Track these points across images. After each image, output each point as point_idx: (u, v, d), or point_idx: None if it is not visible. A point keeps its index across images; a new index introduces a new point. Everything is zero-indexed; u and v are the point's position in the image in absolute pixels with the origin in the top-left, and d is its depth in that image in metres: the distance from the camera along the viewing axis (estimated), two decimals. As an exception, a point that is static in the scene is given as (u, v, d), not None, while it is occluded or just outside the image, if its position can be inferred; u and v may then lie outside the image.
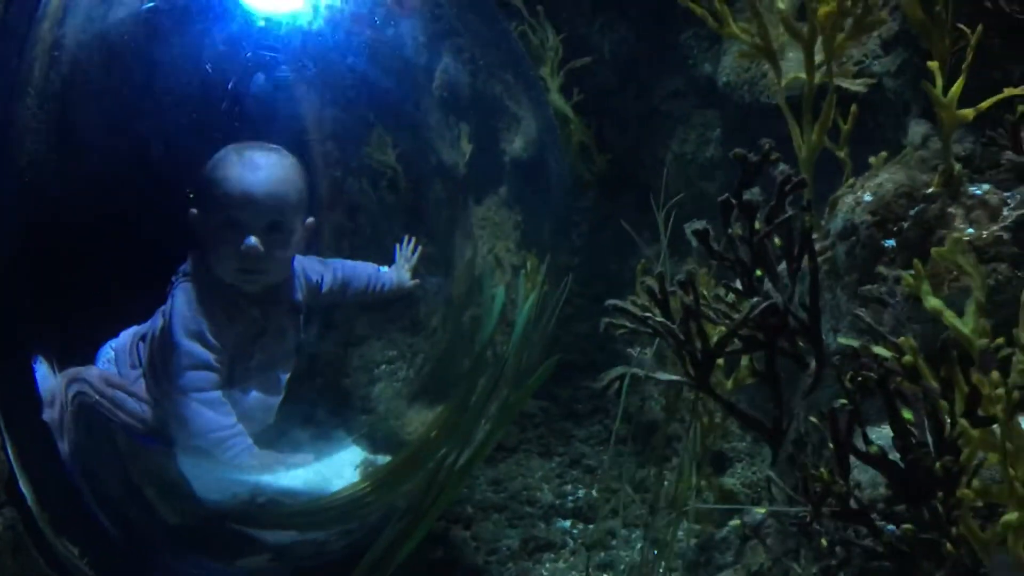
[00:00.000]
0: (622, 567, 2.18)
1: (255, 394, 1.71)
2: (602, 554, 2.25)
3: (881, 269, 1.36)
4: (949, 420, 0.94)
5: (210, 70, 1.66)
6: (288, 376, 1.76)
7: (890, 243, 1.38)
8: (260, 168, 1.67)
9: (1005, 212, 1.33)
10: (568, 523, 2.42)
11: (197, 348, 1.63)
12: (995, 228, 1.29)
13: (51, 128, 1.44)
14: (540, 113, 1.98)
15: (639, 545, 2.27)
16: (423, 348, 1.95)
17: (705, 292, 1.33)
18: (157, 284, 1.70)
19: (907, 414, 1.01)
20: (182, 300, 1.66)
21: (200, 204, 1.67)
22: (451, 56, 1.80)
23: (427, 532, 1.67)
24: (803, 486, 0.98)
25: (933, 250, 1.07)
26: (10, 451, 1.33)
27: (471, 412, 1.63)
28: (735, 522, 1.67)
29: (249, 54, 1.64)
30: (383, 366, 1.98)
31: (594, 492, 2.41)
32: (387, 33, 1.79)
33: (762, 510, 1.39)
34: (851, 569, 1.00)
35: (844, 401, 0.99)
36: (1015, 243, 1.27)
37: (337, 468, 1.69)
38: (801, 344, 1.32)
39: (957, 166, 1.39)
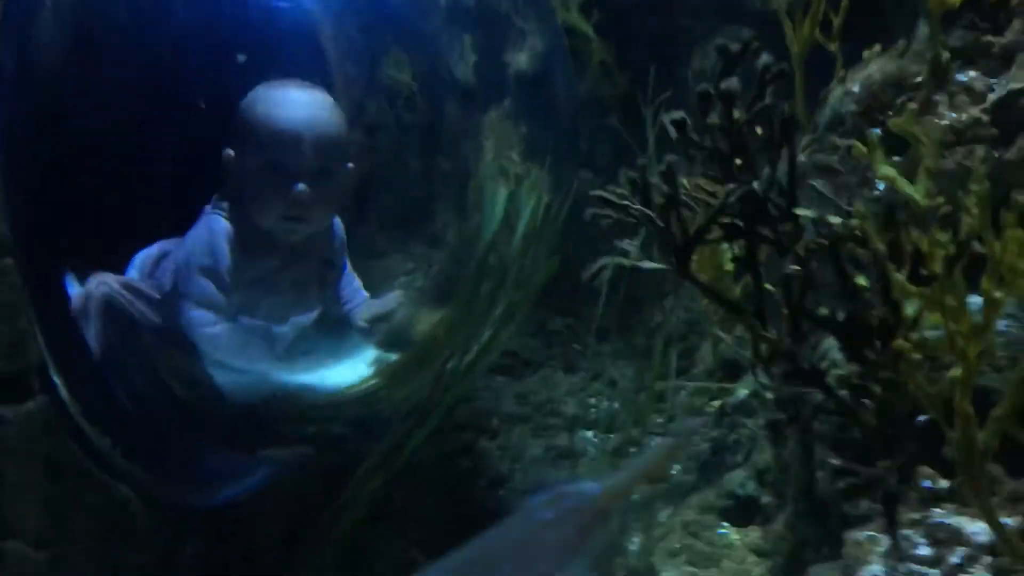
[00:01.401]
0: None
1: (259, 340, 1.73)
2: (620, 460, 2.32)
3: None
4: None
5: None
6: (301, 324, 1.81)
7: (876, 132, 1.40)
8: (307, 109, 1.63)
9: (992, 95, 1.34)
10: (591, 433, 2.49)
11: (208, 286, 1.64)
12: (975, 111, 1.29)
13: (71, 44, 1.52)
14: (548, 28, 2.00)
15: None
16: (439, 259, 2.02)
17: (686, 183, 1.36)
18: (188, 206, 1.76)
19: (863, 280, 1.05)
20: (204, 233, 1.65)
21: (239, 145, 1.64)
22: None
23: (434, 427, 1.74)
24: (753, 348, 1.03)
25: (890, 121, 1.09)
26: (41, 342, 1.43)
27: (474, 312, 1.69)
28: (716, 402, 1.72)
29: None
30: (401, 278, 2.05)
31: (616, 404, 2.47)
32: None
33: (745, 390, 1.43)
34: (800, 424, 1.04)
35: (797, 267, 1.03)
36: (994, 124, 1.28)
37: (352, 365, 1.77)
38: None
39: (945, 55, 1.39)
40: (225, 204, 1.69)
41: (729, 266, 1.79)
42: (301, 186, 1.61)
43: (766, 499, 1.88)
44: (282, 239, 1.70)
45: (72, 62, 1.51)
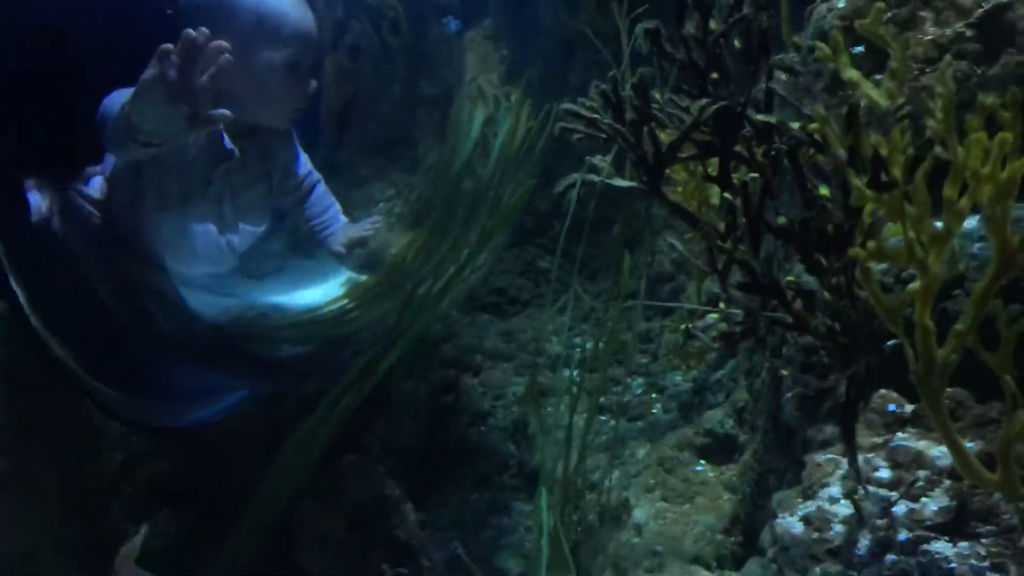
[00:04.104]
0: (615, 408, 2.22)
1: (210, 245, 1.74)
2: (603, 399, 2.30)
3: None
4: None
5: None
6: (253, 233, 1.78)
7: (859, 49, 1.34)
8: (302, 7, 1.66)
9: (977, 12, 1.28)
10: (575, 372, 2.47)
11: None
12: (959, 25, 1.24)
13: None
14: (534, -51, 1.95)
15: (639, 391, 2.31)
16: (419, 184, 1.98)
17: (659, 97, 1.31)
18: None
19: (825, 190, 1.00)
20: None
21: (245, 46, 1.59)
22: None
23: (409, 352, 1.72)
24: (708, 258, 0.99)
25: (856, 23, 1.04)
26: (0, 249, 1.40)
27: (447, 236, 1.66)
28: (684, 325, 1.68)
29: None
30: (381, 204, 2.02)
31: (601, 344, 2.44)
32: None
33: (715, 315, 1.39)
34: (762, 349, 1.00)
35: (755, 175, 0.98)
36: (978, 40, 1.23)
37: (324, 286, 1.75)
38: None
39: (934, -31, 1.33)
40: None
41: (716, 200, 1.74)
42: (314, 82, 1.66)
43: (743, 436, 1.86)
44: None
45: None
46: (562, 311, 2.59)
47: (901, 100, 0.92)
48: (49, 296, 1.53)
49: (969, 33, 1.23)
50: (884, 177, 0.91)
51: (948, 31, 1.24)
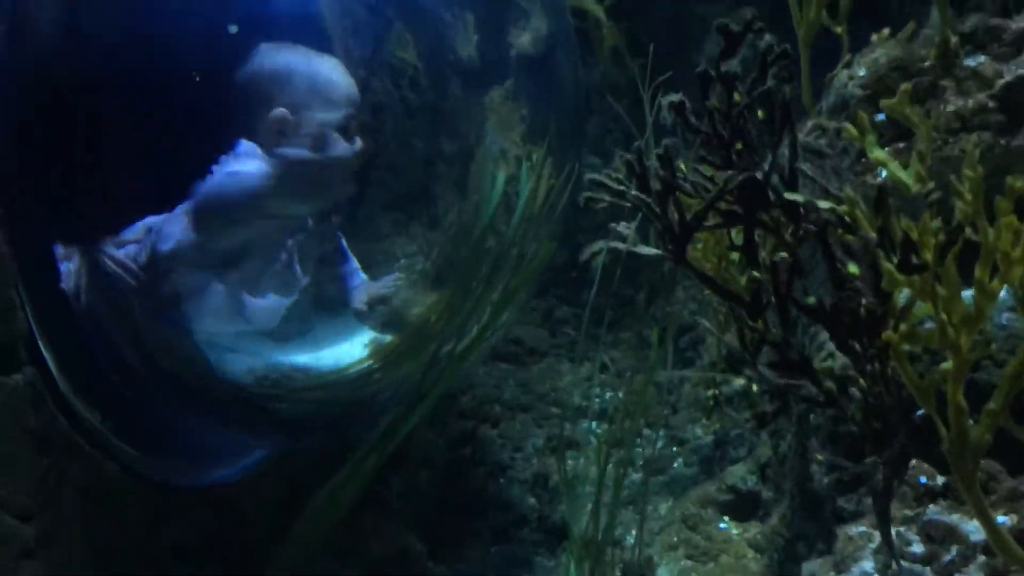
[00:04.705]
0: (640, 462, 2.21)
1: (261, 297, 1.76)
2: (623, 452, 2.29)
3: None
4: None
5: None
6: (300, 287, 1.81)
7: (880, 117, 1.36)
8: (347, 73, 1.74)
9: (999, 82, 1.29)
10: (594, 424, 2.47)
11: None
12: (982, 96, 1.25)
13: (63, 17, 1.50)
14: (553, 10, 1.97)
15: (660, 444, 2.30)
16: (439, 242, 1.99)
17: (684, 167, 1.32)
18: (175, 180, 1.74)
19: (854, 269, 1.01)
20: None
21: (293, 106, 1.70)
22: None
23: (431, 411, 1.72)
24: (739, 337, 0.99)
25: (882, 102, 1.05)
26: (30, 315, 1.42)
27: (471, 296, 1.67)
28: (711, 392, 1.68)
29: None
30: (402, 260, 2.03)
31: (620, 394, 2.44)
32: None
33: (740, 381, 1.40)
34: (789, 415, 1.01)
35: (784, 254, 0.99)
36: (1001, 111, 1.24)
37: (347, 347, 1.75)
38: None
39: (954, 39, 1.35)
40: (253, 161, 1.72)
41: (735, 255, 1.76)
42: (360, 141, 1.73)
43: (767, 494, 1.85)
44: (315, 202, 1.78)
45: (63, 34, 1.50)
46: (582, 362, 2.60)
47: (931, 185, 0.93)
48: (76, 359, 1.54)
49: (992, 104, 1.24)
50: (914, 259, 0.92)
51: (971, 102, 1.26)
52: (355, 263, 1.94)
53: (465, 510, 2.32)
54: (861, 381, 0.91)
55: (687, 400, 2.34)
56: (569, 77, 2.01)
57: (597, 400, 2.49)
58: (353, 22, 2.02)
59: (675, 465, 2.21)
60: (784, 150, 1.32)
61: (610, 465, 1.97)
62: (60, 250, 1.58)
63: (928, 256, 0.90)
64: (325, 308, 1.80)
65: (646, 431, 2.30)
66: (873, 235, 0.93)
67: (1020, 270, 0.91)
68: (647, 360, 2.38)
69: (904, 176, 0.97)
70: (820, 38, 1.67)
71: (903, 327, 0.90)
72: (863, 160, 1.17)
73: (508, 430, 2.46)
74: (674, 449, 2.27)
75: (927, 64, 1.35)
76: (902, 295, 0.94)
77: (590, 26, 2.49)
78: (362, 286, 1.91)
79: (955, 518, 1.12)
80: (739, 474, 1.93)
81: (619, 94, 2.62)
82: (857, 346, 0.91)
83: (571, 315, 2.69)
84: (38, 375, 1.45)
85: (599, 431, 2.40)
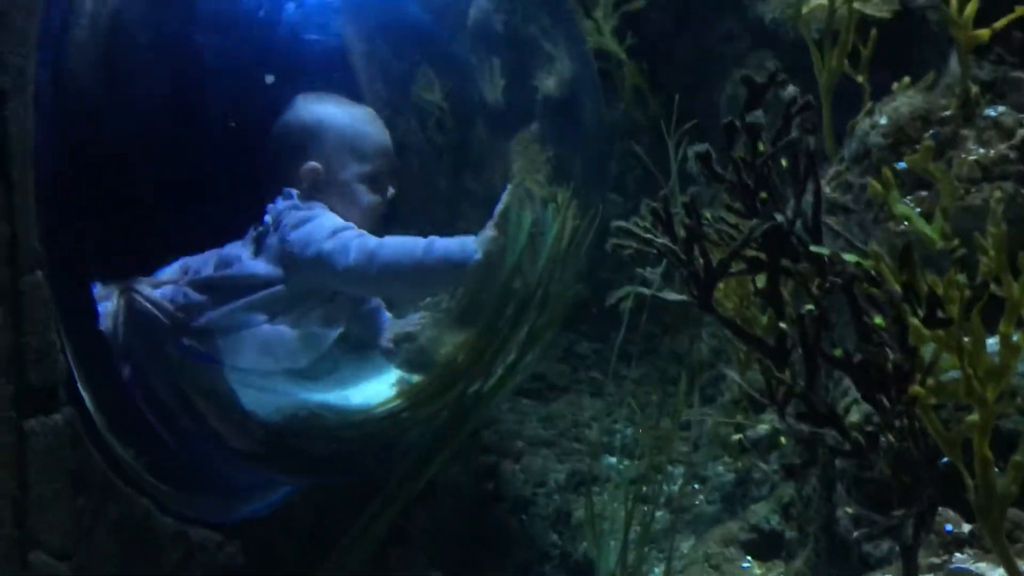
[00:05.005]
0: (662, 500, 2.23)
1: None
2: (644, 488, 2.30)
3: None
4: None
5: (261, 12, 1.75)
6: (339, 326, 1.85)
7: (902, 166, 1.38)
8: (379, 122, 1.83)
9: (1020, 133, 1.32)
10: (614, 459, 2.48)
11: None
12: (1003, 147, 1.28)
13: (104, 63, 1.55)
14: (576, 54, 2.02)
15: (681, 480, 2.32)
16: (465, 280, 2.02)
17: (709, 216, 1.35)
18: (211, 222, 1.79)
19: (880, 320, 1.03)
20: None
21: (325, 158, 1.78)
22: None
23: (456, 450, 1.75)
24: (768, 390, 1.02)
25: (905, 158, 1.08)
26: (69, 356, 1.46)
27: (497, 336, 1.70)
28: (737, 436, 1.70)
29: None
30: (427, 299, 2.06)
31: (641, 430, 2.45)
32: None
33: (765, 426, 1.41)
34: (817, 467, 1.03)
35: (811, 307, 1.02)
36: (1022, 161, 1.26)
37: (375, 387, 1.78)
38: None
39: (975, 89, 1.38)
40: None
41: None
42: (392, 189, 1.82)
43: (790, 534, 1.86)
44: None
45: (104, 81, 1.55)
46: (600, 396, 2.61)
47: (955, 242, 0.96)
48: (113, 397, 1.58)
49: (1012, 155, 1.26)
50: (940, 314, 0.94)
51: (992, 152, 1.28)
52: (378, 302, 1.97)
53: (488, 545, 2.33)
54: (889, 436, 0.93)
55: (708, 437, 2.35)
56: (593, 119, 2.05)
57: (618, 436, 2.50)
58: (381, 66, 2.06)
59: (697, 503, 2.22)
60: (808, 198, 1.35)
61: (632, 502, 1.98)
62: (98, 289, 1.62)
63: (953, 311, 0.92)
64: (352, 348, 1.83)
65: (669, 468, 2.31)
66: (899, 289, 0.96)
67: (1044, 325, 0.93)
68: (670, 397, 2.41)
69: (928, 230, 0.99)
70: (842, 81, 1.71)
71: (930, 381, 0.92)
72: (886, 207, 1.19)
73: (530, 465, 2.48)
74: (696, 486, 2.28)
75: (948, 113, 1.38)
76: (928, 349, 0.96)
77: (612, 66, 2.53)
78: (388, 324, 1.94)
79: (982, 566, 1.13)
80: (762, 513, 1.94)
81: (640, 132, 2.66)
82: (884, 400, 0.93)
83: (591, 351, 2.72)
84: (76, 414, 1.48)
85: (621, 467, 2.41)
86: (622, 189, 2.67)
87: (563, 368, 2.70)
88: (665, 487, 2.27)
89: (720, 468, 2.26)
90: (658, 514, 2.16)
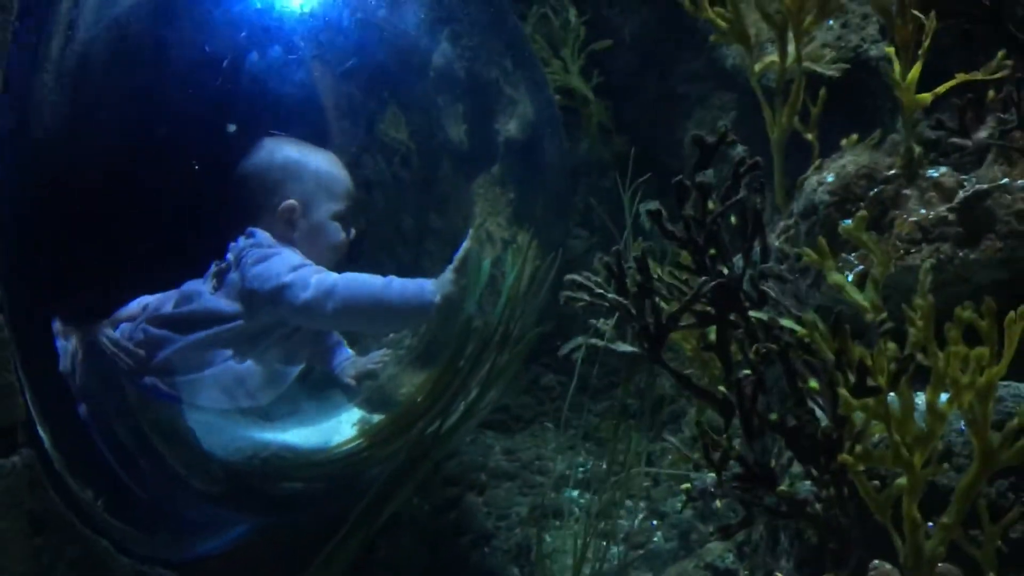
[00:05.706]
0: (621, 535, 2.25)
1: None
2: (603, 523, 2.33)
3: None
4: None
5: (224, 55, 1.76)
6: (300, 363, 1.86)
7: (847, 223, 1.42)
8: (343, 166, 1.89)
9: (960, 194, 1.36)
10: (576, 492, 2.50)
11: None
12: (942, 208, 1.32)
13: (69, 107, 1.57)
14: (538, 97, 2.05)
15: (641, 515, 2.34)
16: (425, 321, 2.04)
17: (659, 271, 1.39)
18: (172, 262, 1.80)
19: (814, 384, 1.07)
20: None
21: (302, 196, 1.82)
22: (448, 41, 1.89)
23: (416, 487, 1.76)
24: (704, 452, 1.05)
25: (840, 226, 1.12)
26: (28, 396, 1.46)
27: (458, 375, 1.72)
28: (685, 486, 1.73)
29: (250, 34, 1.74)
30: (390, 335, 2.08)
31: (603, 464, 2.48)
32: (392, 13, 1.89)
33: (712, 475, 1.44)
34: (754, 529, 1.06)
35: (748, 371, 1.05)
36: (960, 223, 1.31)
37: (336, 426, 1.80)
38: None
39: (918, 149, 1.42)
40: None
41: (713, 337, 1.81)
42: (353, 230, 1.86)
43: (744, 573, 1.89)
44: None
45: (68, 123, 1.57)
46: (564, 429, 2.64)
47: (883, 315, 0.99)
48: (71, 437, 1.59)
49: (951, 217, 1.31)
50: (869, 382, 0.98)
51: (931, 214, 1.32)
52: (339, 337, 1.99)
53: (449, 576, 2.35)
54: (817, 505, 0.96)
55: (666, 474, 2.38)
56: (555, 160, 2.09)
57: (580, 470, 2.53)
58: (348, 101, 2.09)
59: (655, 539, 2.25)
60: (755, 256, 1.39)
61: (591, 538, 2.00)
62: (57, 327, 1.63)
63: (882, 380, 0.96)
64: (313, 386, 1.84)
65: (628, 502, 2.34)
66: (832, 357, 0.99)
67: (969, 395, 0.97)
68: (628, 430, 2.44)
69: (860, 299, 1.03)
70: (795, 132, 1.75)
71: (859, 448, 0.95)
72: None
73: (493, 498, 2.50)
74: (654, 523, 2.31)
75: (892, 172, 1.42)
76: (859, 415, 1.00)
77: (579, 104, 2.58)
78: (349, 361, 1.96)
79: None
80: (716, 552, 1.97)
81: (606, 168, 2.71)
82: (813, 470, 0.97)
83: (556, 383, 2.74)
84: (35, 455, 1.49)
85: (582, 500, 2.44)
86: (589, 224, 2.71)
87: (528, 400, 2.72)
88: (623, 522, 2.30)
89: (678, 504, 2.29)
90: (615, 550, 2.18)
